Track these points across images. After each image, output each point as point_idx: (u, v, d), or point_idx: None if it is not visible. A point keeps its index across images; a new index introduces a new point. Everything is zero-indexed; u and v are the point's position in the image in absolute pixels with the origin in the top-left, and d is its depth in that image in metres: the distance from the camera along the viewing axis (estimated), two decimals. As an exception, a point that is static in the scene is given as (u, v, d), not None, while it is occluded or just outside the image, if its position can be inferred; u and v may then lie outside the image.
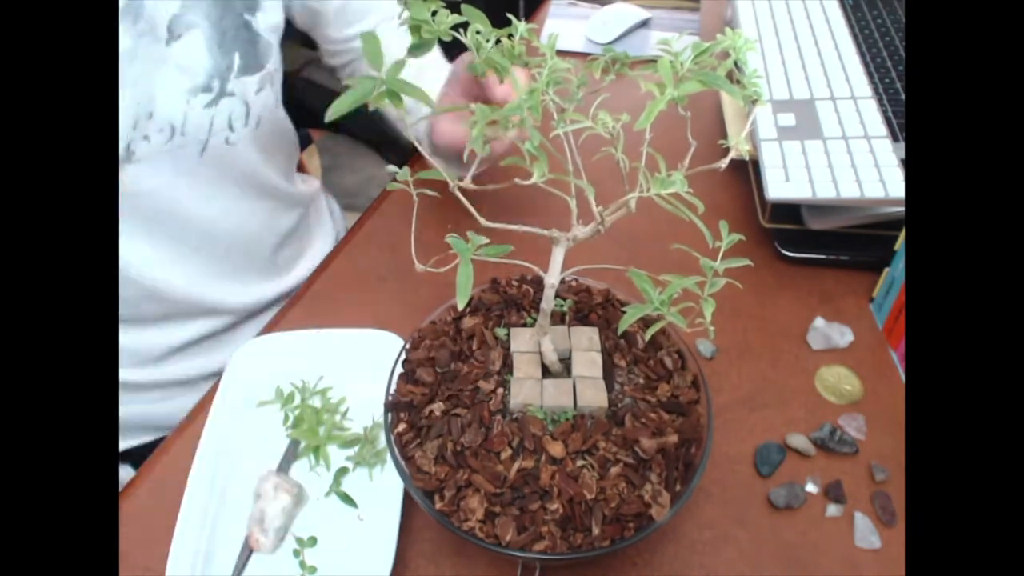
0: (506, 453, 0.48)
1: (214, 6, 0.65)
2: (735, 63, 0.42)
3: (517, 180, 0.44)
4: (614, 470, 0.47)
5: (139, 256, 0.70)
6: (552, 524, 0.46)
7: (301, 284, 0.86)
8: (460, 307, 0.43)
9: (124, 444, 0.81)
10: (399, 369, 0.54)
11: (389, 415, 0.52)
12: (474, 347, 0.54)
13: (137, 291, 0.71)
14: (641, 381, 0.53)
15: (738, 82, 0.43)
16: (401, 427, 0.51)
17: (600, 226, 0.46)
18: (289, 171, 0.83)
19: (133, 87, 0.62)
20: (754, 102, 0.44)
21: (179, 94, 0.64)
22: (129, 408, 0.78)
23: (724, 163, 0.43)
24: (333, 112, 0.39)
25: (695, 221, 0.42)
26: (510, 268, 0.52)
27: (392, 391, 0.53)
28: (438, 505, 0.47)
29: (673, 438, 0.49)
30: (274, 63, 0.72)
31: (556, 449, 0.48)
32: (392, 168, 0.46)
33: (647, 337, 0.49)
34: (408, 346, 0.56)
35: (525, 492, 0.47)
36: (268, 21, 0.70)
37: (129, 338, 0.75)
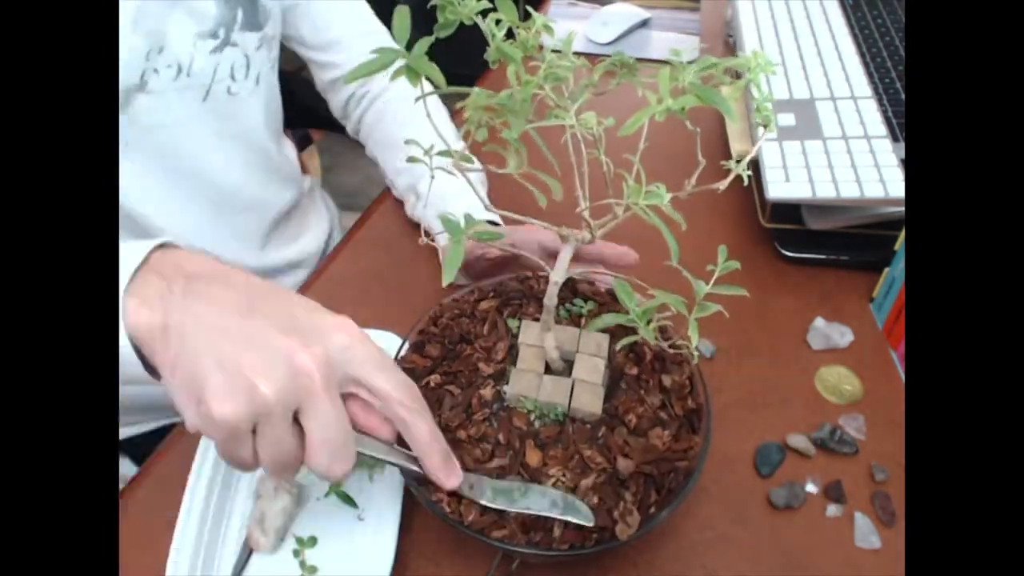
0: (487, 444, 0.49)
1: None
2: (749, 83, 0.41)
3: (492, 167, 0.44)
4: (585, 481, 0.47)
5: (138, 189, 0.72)
6: (514, 518, 0.47)
7: (288, 265, 0.87)
8: (444, 284, 0.43)
9: (123, 432, 0.81)
10: (412, 338, 0.56)
11: None
12: (484, 331, 0.55)
13: (135, 227, 0.73)
14: (645, 397, 0.52)
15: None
16: None
17: (591, 234, 0.46)
18: (280, 142, 0.86)
19: (147, 20, 0.66)
20: (764, 127, 0.44)
21: (188, 36, 0.69)
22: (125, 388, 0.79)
23: (723, 184, 0.43)
24: (350, 76, 0.39)
25: (669, 240, 0.42)
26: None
27: (400, 357, 0.55)
28: None
29: (650, 467, 0.48)
30: (272, 28, 0.76)
31: (533, 458, 0.48)
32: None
33: (617, 348, 0.49)
34: (427, 318, 0.57)
35: (495, 479, 0.47)
36: None
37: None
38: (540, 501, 0.46)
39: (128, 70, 0.66)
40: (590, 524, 0.45)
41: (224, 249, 0.79)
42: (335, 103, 0.89)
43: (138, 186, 0.71)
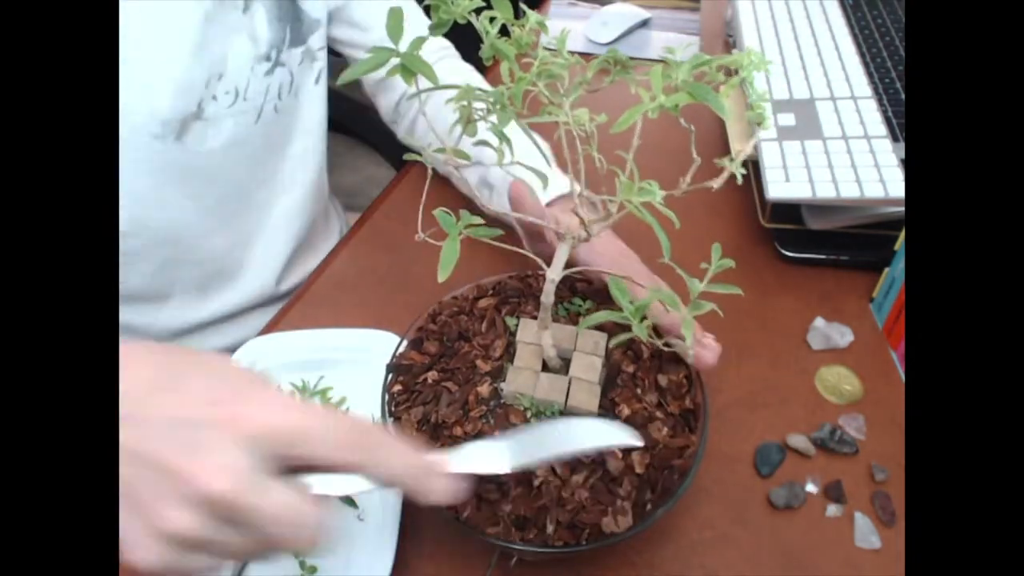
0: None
1: None
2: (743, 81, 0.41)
3: (480, 162, 0.44)
4: (576, 477, 0.47)
5: (178, 209, 0.72)
6: (507, 515, 0.47)
7: (304, 280, 0.87)
8: (440, 281, 0.43)
9: None
10: (411, 335, 0.57)
11: (389, 374, 0.54)
12: (482, 328, 0.55)
13: (176, 252, 0.74)
14: (641, 396, 0.52)
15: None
16: (396, 388, 0.53)
17: (586, 232, 0.46)
18: (323, 157, 0.85)
19: (210, 48, 0.65)
20: (758, 124, 0.44)
21: (246, 61, 0.69)
22: None
23: (718, 182, 0.43)
24: (344, 78, 0.39)
25: (660, 236, 0.42)
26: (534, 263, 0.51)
27: (398, 354, 0.55)
28: None
29: (641, 468, 0.48)
30: (317, 40, 0.76)
31: None
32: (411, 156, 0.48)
33: (612, 345, 0.48)
34: (427, 315, 0.58)
35: (486, 478, 0.47)
36: (315, 4, 0.75)
37: (148, 316, 0.76)
38: (571, 438, 0.43)
39: (187, 99, 0.65)
40: (640, 444, 0.43)
41: (252, 270, 0.80)
42: (385, 104, 0.87)
43: (179, 207, 0.71)
